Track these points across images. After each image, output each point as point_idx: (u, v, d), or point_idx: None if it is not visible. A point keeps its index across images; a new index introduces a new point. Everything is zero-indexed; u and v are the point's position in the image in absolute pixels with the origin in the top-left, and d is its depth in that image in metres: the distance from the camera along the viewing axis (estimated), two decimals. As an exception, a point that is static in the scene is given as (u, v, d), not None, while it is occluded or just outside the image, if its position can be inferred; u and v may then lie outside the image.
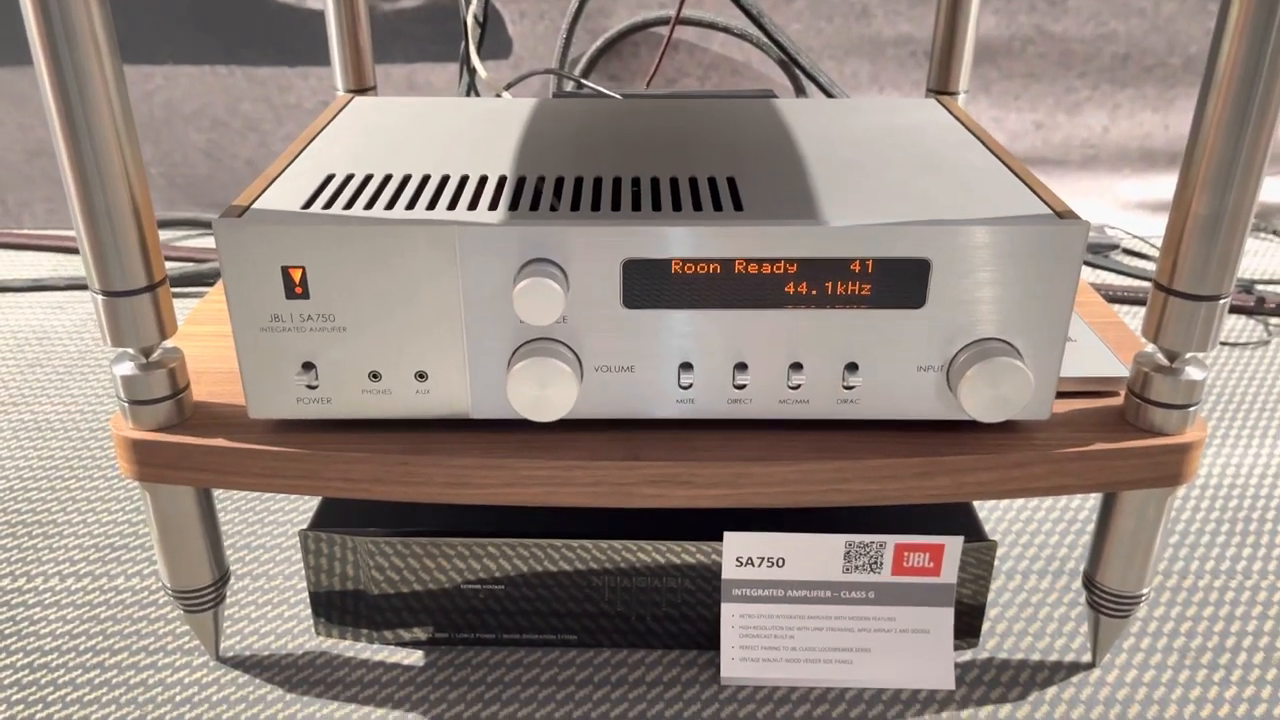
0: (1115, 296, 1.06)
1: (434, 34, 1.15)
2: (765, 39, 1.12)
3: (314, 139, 0.56)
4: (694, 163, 0.53)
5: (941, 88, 0.70)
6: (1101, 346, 0.55)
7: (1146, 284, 1.11)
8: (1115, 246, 1.15)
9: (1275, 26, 0.40)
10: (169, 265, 1.11)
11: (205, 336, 0.58)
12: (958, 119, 0.60)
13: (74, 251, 1.16)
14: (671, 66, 1.17)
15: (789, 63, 1.13)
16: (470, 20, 0.98)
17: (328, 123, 0.59)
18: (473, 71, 0.99)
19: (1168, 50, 1.16)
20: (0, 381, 0.88)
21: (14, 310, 1.03)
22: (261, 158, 1.21)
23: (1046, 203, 0.47)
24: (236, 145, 1.20)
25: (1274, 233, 1.24)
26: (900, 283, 0.45)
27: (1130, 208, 1.23)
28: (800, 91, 1.14)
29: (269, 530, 0.69)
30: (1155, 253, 1.21)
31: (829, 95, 1.12)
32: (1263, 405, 0.89)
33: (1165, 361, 0.46)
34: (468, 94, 1.04)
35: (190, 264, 1.11)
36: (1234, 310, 1.05)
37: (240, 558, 0.66)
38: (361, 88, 0.71)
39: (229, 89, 1.17)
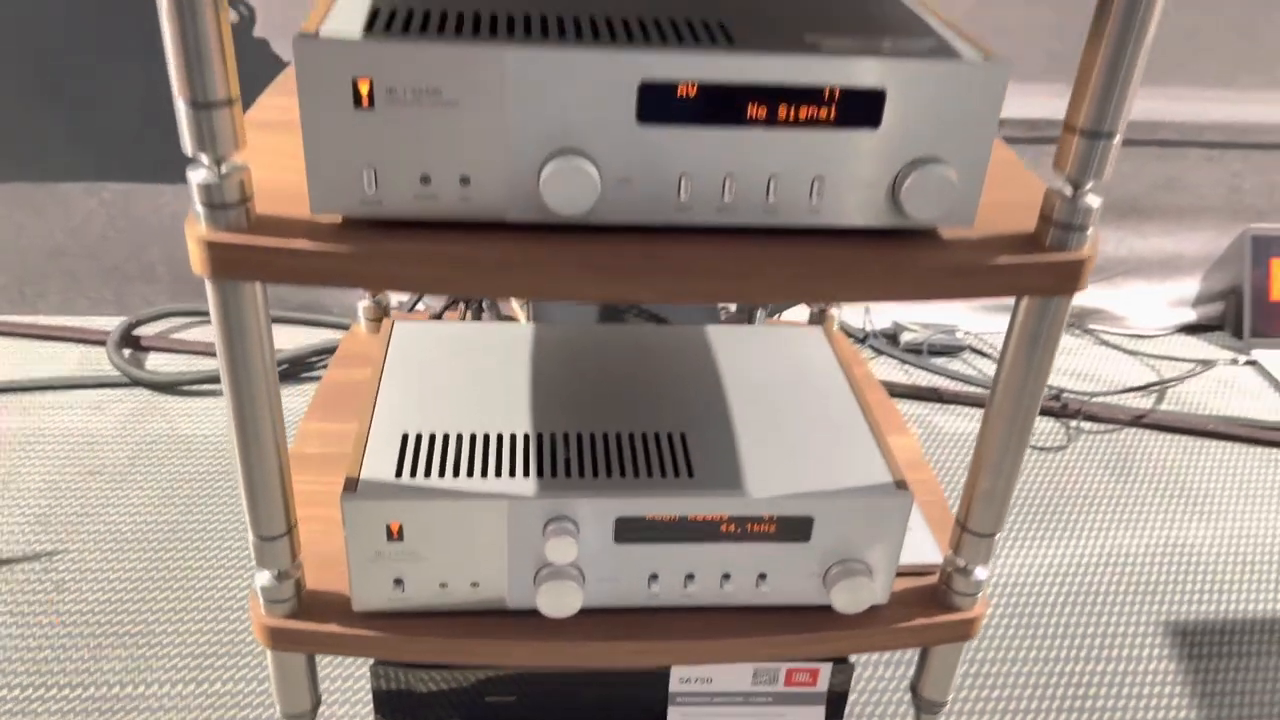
0: (961, 398, 1.30)
1: None
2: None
3: (379, 385, 0.76)
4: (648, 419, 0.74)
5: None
6: (929, 536, 0.79)
7: (984, 392, 1.36)
8: (964, 349, 1.40)
9: None
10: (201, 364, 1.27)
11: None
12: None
13: (98, 343, 1.31)
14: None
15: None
16: None
17: (384, 359, 0.79)
18: None
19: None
20: (65, 492, 1.04)
21: (53, 411, 1.18)
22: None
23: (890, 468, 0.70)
24: (234, 249, 1.36)
25: (1085, 331, 1.51)
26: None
27: (977, 309, 1.49)
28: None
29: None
30: (996, 353, 1.46)
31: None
32: (1058, 507, 1.14)
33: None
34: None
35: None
36: (1041, 413, 1.32)
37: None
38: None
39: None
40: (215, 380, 1.24)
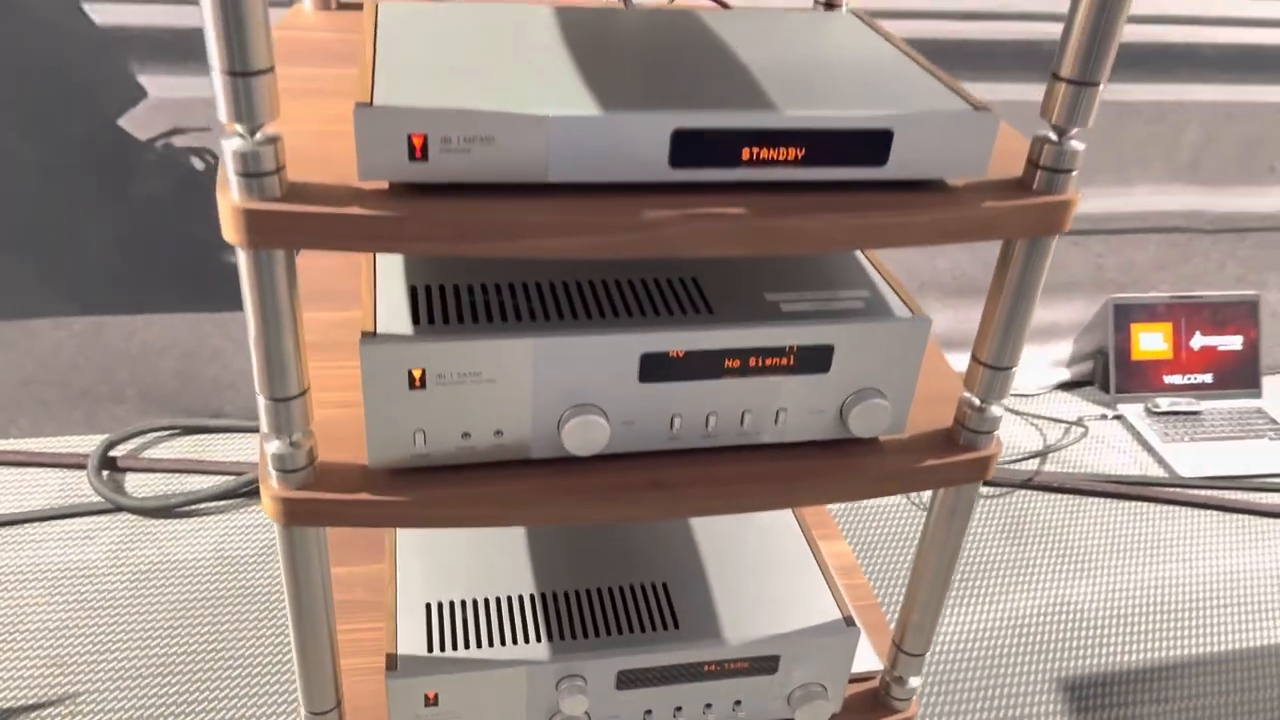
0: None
1: None
2: None
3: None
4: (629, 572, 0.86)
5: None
6: (867, 644, 0.93)
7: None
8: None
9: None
10: (201, 482, 1.33)
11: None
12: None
13: (75, 466, 1.35)
14: None
15: None
16: None
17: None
18: None
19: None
20: (73, 630, 1.10)
21: (45, 544, 1.23)
22: (223, 377, 1.43)
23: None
24: (202, 368, 1.42)
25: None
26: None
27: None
28: None
29: None
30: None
31: None
32: (963, 574, 1.30)
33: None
34: None
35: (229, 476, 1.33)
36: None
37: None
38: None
39: (195, 327, 1.39)
40: (200, 501, 1.30)
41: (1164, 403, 1.73)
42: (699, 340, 0.65)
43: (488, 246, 0.56)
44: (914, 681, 0.87)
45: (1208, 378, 1.77)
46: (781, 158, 0.59)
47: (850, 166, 0.60)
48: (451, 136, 0.54)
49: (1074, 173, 0.62)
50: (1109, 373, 1.75)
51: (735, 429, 0.69)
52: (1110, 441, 1.64)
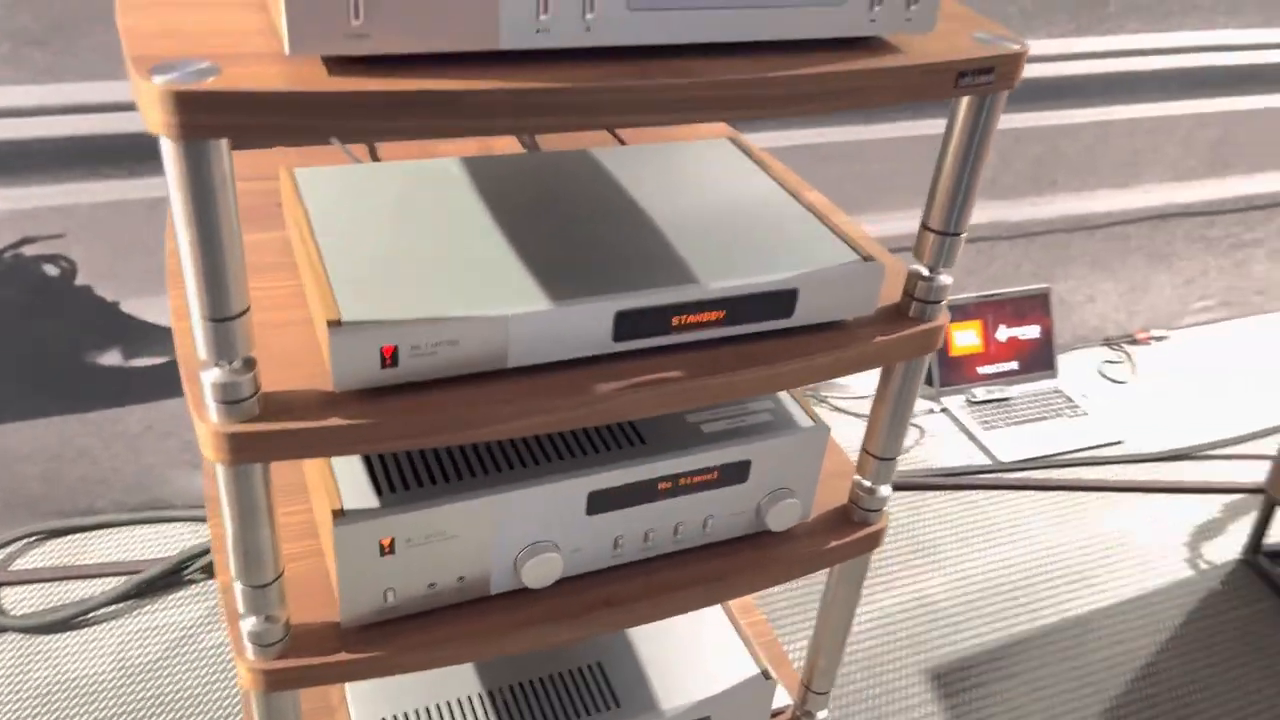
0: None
1: None
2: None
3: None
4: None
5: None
6: (781, 688, 1.03)
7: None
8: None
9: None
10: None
11: None
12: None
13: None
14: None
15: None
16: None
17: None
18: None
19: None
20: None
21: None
22: (93, 473, 1.37)
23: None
24: (68, 469, 1.36)
25: (820, 400, 1.82)
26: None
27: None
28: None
29: None
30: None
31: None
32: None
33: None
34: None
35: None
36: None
37: None
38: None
39: (61, 429, 1.33)
40: (88, 611, 1.26)
41: (980, 392, 1.92)
42: (639, 473, 0.71)
43: (454, 436, 0.60)
44: (822, 715, 0.97)
45: (1013, 365, 1.98)
46: (706, 320, 0.66)
47: (763, 321, 0.67)
48: (420, 343, 0.58)
49: (943, 302, 0.73)
50: (933, 370, 1.92)
51: (670, 539, 0.76)
52: (941, 435, 1.81)
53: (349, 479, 0.67)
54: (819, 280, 0.67)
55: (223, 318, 0.52)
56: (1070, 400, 1.94)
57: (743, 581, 0.78)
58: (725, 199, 0.76)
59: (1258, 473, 1.74)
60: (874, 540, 0.83)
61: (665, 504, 0.74)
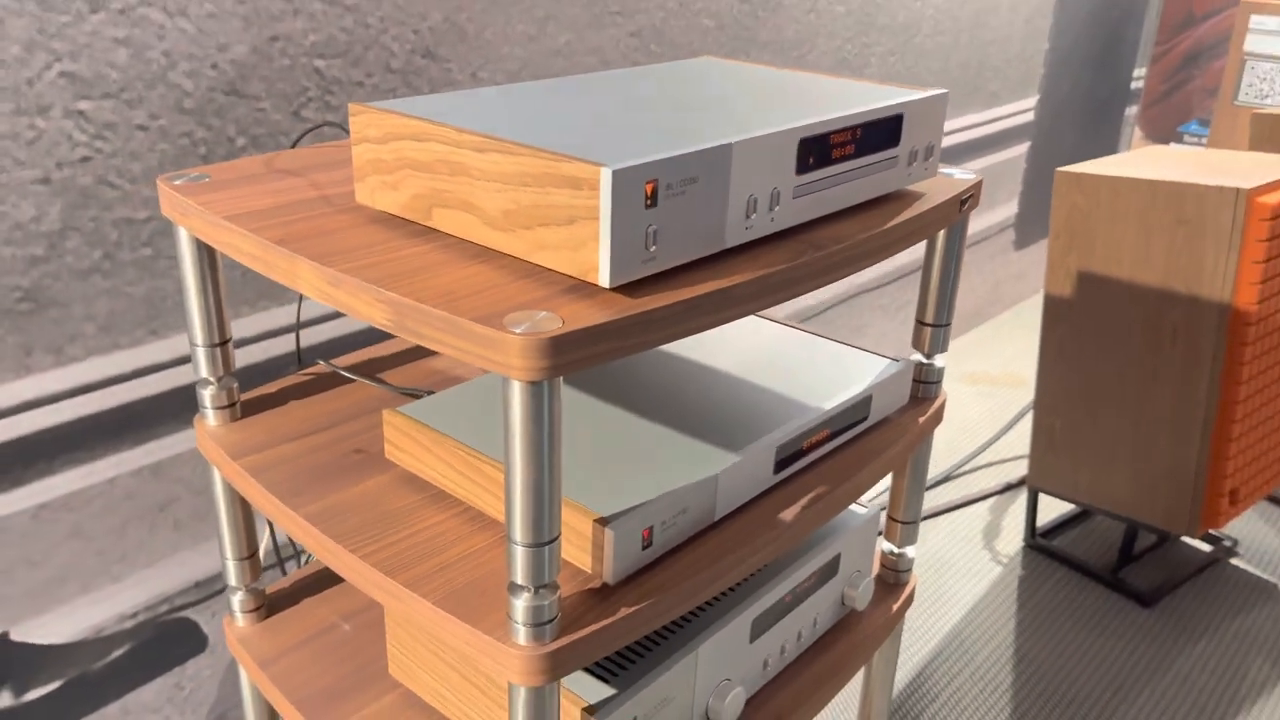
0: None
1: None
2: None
3: None
4: None
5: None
6: None
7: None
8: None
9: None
10: None
11: None
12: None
13: None
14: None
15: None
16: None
17: None
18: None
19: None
20: None
21: None
22: None
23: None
24: None
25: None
26: None
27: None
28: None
29: None
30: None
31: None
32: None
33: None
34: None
35: None
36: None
37: None
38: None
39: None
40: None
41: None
42: (777, 592, 0.77)
43: (699, 598, 0.64)
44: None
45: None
46: (821, 439, 0.75)
47: (852, 429, 0.78)
48: (667, 518, 0.62)
49: (940, 382, 0.88)
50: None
51: (795, 646, 0.82)
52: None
53: (570, 676, 0.67)
54: (882, 386, 0.80)
55: (541, 543, 0.53)
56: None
57: (850, 665, 0.86)
58: (767, 349, 0.87)
59: (1002, 476, 2.10)
60: (911, 599, 0.94)
61: (792, 615, 0.80)
